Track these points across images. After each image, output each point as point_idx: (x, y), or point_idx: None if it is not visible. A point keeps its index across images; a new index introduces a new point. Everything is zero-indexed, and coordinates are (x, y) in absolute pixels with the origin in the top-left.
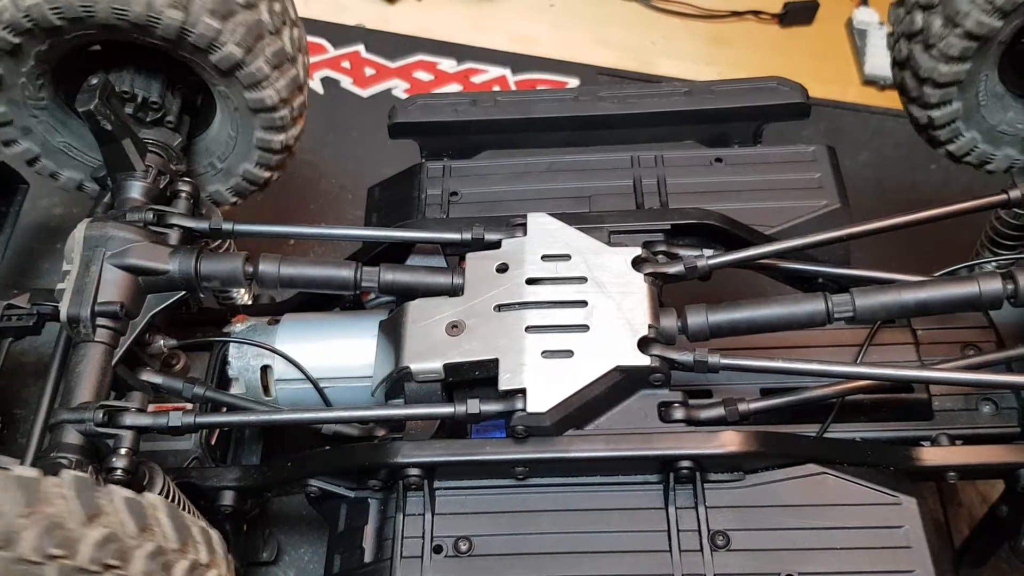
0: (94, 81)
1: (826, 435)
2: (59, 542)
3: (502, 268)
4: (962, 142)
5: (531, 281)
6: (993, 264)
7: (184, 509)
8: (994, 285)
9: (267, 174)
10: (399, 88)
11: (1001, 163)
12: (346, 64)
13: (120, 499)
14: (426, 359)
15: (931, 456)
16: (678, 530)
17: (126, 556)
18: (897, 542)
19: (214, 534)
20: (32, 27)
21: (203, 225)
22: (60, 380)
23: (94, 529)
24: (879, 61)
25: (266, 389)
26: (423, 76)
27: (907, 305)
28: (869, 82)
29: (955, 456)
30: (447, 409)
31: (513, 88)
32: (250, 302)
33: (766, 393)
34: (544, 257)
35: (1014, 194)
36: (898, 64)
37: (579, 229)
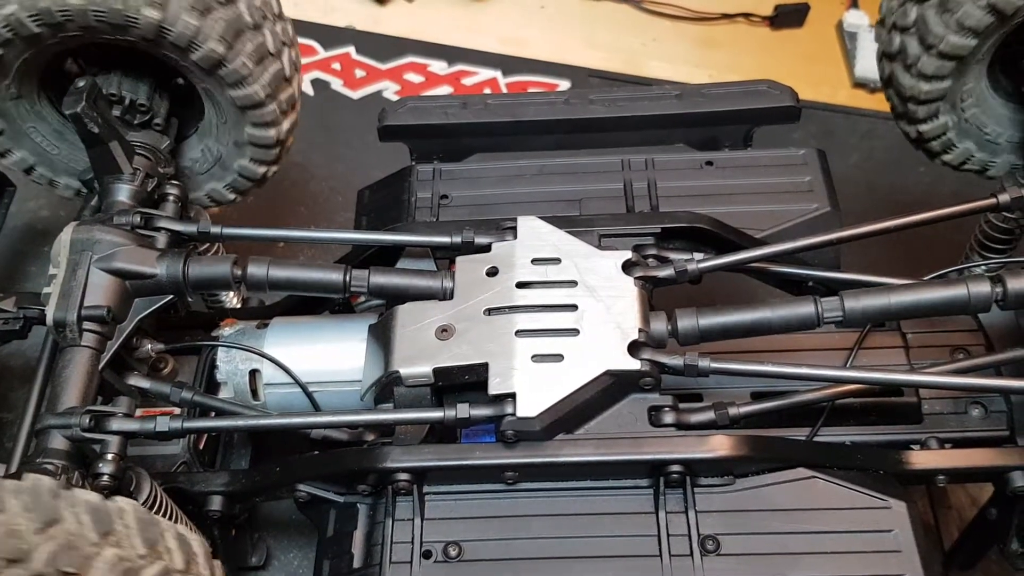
0: (81, 84)
1: (816, 439)
2: (72, 560)
3: (492, 272)
4: (937, 122)
5: (521, 285)
6: (982, 267)
7: (172, 515)
8: (983, 288)
9: (263, 169)
10: (389, 90)
11: (961, 155)
12: (336, 66)
13: (132, 517)
14: (416, 363)
15: (921, 460)
16: (668, 535)
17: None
18: (887, 546)
19: (215, 564)
20: (12, 36)
21: (191, 228)
22: (46, 384)
23: (106, 548)
24: (869, 64)
25: (255, 393)
26: (414, 78)
27: (896, 308)
28: (859, 84)
29: (944, 459)
30: (436, 413)
31: (504, 90)
32: (239, 305)
33: (756, 397)
34: (534, 261)
35: (1003, 198)
36: (887, 56)
37: (569, 232)
